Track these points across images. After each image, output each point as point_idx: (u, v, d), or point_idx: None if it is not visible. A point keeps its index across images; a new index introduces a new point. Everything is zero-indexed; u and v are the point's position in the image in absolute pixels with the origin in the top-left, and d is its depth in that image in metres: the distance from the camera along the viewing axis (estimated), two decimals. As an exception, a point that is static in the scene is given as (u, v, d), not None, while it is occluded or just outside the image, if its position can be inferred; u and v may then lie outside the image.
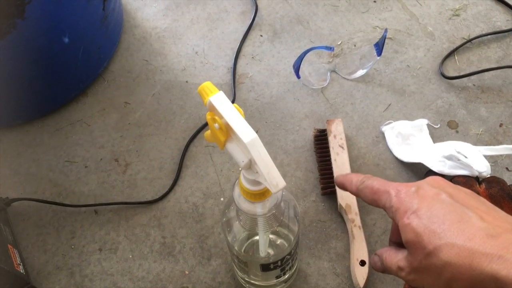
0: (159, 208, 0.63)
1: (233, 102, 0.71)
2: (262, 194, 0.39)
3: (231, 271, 0.57)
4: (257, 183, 0.38)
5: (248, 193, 0.39)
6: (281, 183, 0.35)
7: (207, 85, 0.36)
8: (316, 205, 0.62)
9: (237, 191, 0.41)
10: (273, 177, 0.35)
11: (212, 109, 0.36)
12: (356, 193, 0.41)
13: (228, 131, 0.36)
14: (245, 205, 0.41)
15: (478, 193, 0.55)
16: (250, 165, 0.36)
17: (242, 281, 0.55)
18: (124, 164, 0.67)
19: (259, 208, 0.41)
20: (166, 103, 0.73)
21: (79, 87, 0.74)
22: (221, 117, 0.35)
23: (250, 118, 0.70)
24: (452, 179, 0.58)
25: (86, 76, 0.74)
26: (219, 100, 0.35)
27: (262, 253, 0.48)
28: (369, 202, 0.40)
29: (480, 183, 0.57)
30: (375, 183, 0.39)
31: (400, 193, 0.36)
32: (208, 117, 0.36)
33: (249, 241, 0.50)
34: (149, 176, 0.66)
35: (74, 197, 0.65)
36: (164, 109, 0.72)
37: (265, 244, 0.48)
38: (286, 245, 0.48)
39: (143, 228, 0.61)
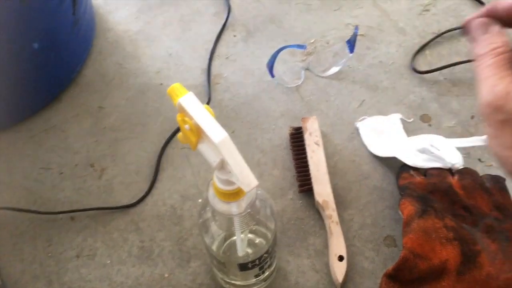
0: (136, 212, 0.63)
1: (208, 103, 0.71)
2: (236, 194, 0.39)
3: (211, 272, 0.57)
4: (231, 182, 0.38)
5: (222, 193, 0.39)
6: (254, 182, 0.35)
7: (176, 87, 0.36)
8: (294, 202, 0.63)
9: (211, 192, 0.41)
10: (245, 176, 0.35)
11: (182, 110, 0.36)
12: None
13: (199, 131, 0.36)
14: (220, 205, 0.41)
15: (451, 184, 0.56)
16: (222, 165, 0.36)
17: (222, 281, 0.55)
18: (100, 169, 0.66)
19: (234, 208, 0.41)
20: (141, 106, 0.72)
21: (52, 93, 0.73)
22: (191, 118, 0.35)
23: (226, 118, 0.70)
24: (426, 171, 0.59)
25: (59, 82, 0.74)
26: (189, 101, 0.35)
27: (240, 253, 0.48)
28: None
29: (453, 175, 0.58)
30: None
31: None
32: (179, 118, 0.36)
33: (227, 241, 0.50)
34: (126, 180, 0.65)
35: (50, 204, 0.64)
36: (139, 112, 0.72)
37: (243, 243, 0.48)
38: (264, 243, 0.48)
39: (121, 232, 0.61)
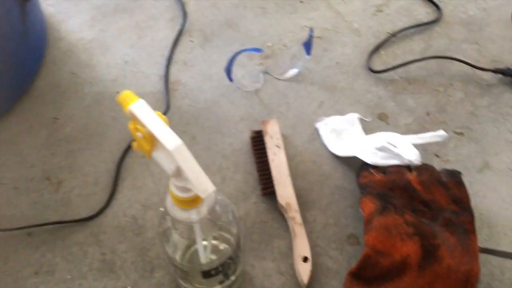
0: (96, 224, 0.61)
1: (167, 109, 0.70)
2: (194, 201, 0.39)
3: (175, 281, 0.56)
4: (187, 189, 0.37)
5: (180, 201, 0.39)
6: (210, 187, 0.35)
7: (126, 94, 0.35)
8: (257, 206, 0.62)
9: (169, 200, 0.41)
10: (201, 183, 0.35)
11: (134, 118, 0.35)
12: None
13: (152, 139, 0.35)
14: (179, 213, 0.41)
15: (409, 180, 0.57)
16: (178, 172, 0.36)
17: (187, 291, 0.54)
18: (57, 182, 0.64)
19: (193, 215, 0.41)
20: (97, 116, 0.71)
21: (4, 106, 0.71)
22: (143, 125, 0.34)
23: (185, 124, 0.70)
24: (385, 169, 0.60)
25: (11, 94, 0.71)
26: (140, 108, 0.35)
27: (203, 260, 0.47)
28: None
29: (411, 171, 0.59)
30: None
31: None
32: (131, 126, 0.36)
33: (190, 250, 0.49)
34: (84, 192, 0.64)
35: (5, 220, 0.62)
36: (95, 122, 0.70)
37: (206, 251, 0.47)
38: (227, 249, 0.48)
39: (81, 246, 0.59)
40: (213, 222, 0.44)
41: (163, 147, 0.34)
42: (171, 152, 0.33)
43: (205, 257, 0.47)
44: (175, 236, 0.46)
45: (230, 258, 0.48)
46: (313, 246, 0.59)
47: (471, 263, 0.51)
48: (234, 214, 0.47)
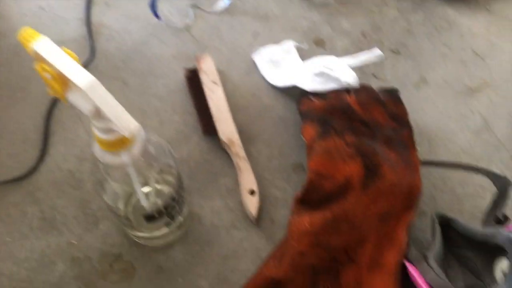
0: (31, 182, 0.58)
1: (93, 55, 0.66)
2: (121, 142, 0.36)
3: (123, 230, 0.55)
4: (111, 130, 0.35)
5: (106, 143, 0.36)
6: (133, 124, 0.33)
7: (27, 32, 0.32)
8: (200, 146, 0.61)
9: (96, 146, 0.38)
10: (122, 120, 0.32)
11: (39, 58, 0.32)
12: None
13: (63, 80, 0.32)
14: (109, 158, 0.38)
15: (348, 102, 0.57)
16: (97, 112, 0.33)
17: (135, 237, 0.53)
18: (-18, 144, 0.60)
19: (124, 158, 0.38)
20: (17, 70, 0.66)
21: None
22: (50, 65, 0.31)
23: (115, 69, 0.66)
24: (325, 94, 0.59)
25: None
26: (44, 46, 0.31)
27: (145, 204, 0.45)
28: None
29: (350, 93, 0.59)
30: None
31: None
32: (37, 67, 0.32)
33: (133, 196, 0.47)
34: (13, 152, 0.60)
35: None
36: (16, 76, 0.65)
37: (151, 195, 0.46)
38: (168, 190, 0.46)
39: (17, 206, 0.56)
40: (149, 164, 0.43)
41: (76, 87, 0.31)
42: (84, 90, 0.30)
43: (150, 202, 0.46)
44: (112, 184, 0.44)
45: (173, 199, 0.46)
46: (259, 179, 0.58)
47: (412, 176, 0.52)
48: (170, 153, 0.45)
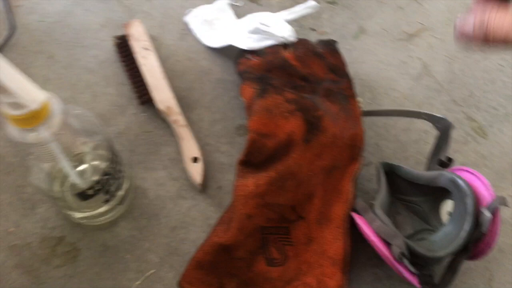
0: (-43, 172, 0.54)
1: (13, 30, 0.61)
2: (34, 116, 0.33)
3: (62, 212, 0.52)
4: (21, 105, 0.32)
5: (20, 120, 0.33)
6: (39, 96, 0.30)
7: None
8: (137, 117, 0.58)
9: (10, 125, 0.35)
10: (27, 92, 0.30)
11: None
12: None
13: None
14: (26, 136, 0.35)
15: (285, 58, 0.55)
16: (2, 87, 0.30)
17: (75, 218, 0.51)
18: None
19: (43, 133, 0.35)
20: None
21: None
22: None
23: (38, 43, 0.61)
24: (262, 52, 0.57)
25: None
26: None
27: (77, 181, 0.43)
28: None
29: (287, 48, 0.57)
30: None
31: None
32: None
33: (67, 176, 0.45)
34: None
35: None
36: None
37: (84, 172, 0.43)
38: (101, 164, 0.44)
39: None
40: (76, 138, 0.40)
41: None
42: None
43: (86, 180, 0.43)
44: (37, 164, 0.41)
45: (107, 174, 0.44)
46: (203, 145, 0.57)
47: (354, 127, 0.51)
48: (96, 124, 0.42)
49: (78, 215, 0.49)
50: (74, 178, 0.42)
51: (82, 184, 0.43)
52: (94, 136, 0.43)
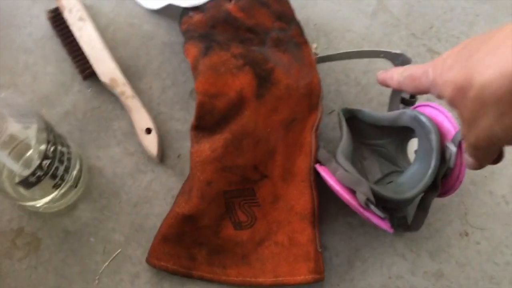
0: None
1: None
2: None
3: (16, 205, 0.50)
4: None
5: None
6: None
7: None
8: (83, 93, 0.55)
9: None
10: None
11: None
12: (399, 87, 0.39)
13: None
14: None
15: (229, 11, 0.51)
16: None
17: (31, 209, 0.48)
18: None
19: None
20: None
21: None
22: None
23: (-33, 29, 0.57)
24: (205, 7, 0.54)
25: None
26: None
27: (15, 168, 0.40)
28: (413, 92, 0.38)
29: (230, 1, 0.53)
30: (414, 69, 0.37)
31: (436, 63, 0.33)
32: None
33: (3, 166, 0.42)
34: None
35: None
36: None
37: (28, 158, 0.40)
38: (40, 147, 0.41)
39: None
40: (4, 122, 0.37)
41: None
42: None
43: (18, 167, 0.40)
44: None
45: (47, 157, 0.41)
46: (156, 115, 0.54)
47: (309, 75, 0.49)
48: (29, 108, 0.39)
49: (30, 204, 0.46)
50: (10, 165, 0.40)
51: (21, 171, 0.40)
52: (28, 118, 0.40)
